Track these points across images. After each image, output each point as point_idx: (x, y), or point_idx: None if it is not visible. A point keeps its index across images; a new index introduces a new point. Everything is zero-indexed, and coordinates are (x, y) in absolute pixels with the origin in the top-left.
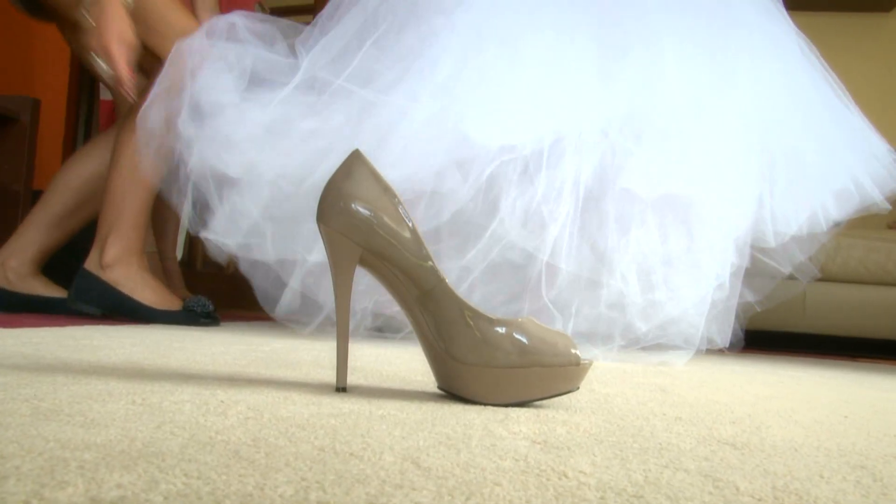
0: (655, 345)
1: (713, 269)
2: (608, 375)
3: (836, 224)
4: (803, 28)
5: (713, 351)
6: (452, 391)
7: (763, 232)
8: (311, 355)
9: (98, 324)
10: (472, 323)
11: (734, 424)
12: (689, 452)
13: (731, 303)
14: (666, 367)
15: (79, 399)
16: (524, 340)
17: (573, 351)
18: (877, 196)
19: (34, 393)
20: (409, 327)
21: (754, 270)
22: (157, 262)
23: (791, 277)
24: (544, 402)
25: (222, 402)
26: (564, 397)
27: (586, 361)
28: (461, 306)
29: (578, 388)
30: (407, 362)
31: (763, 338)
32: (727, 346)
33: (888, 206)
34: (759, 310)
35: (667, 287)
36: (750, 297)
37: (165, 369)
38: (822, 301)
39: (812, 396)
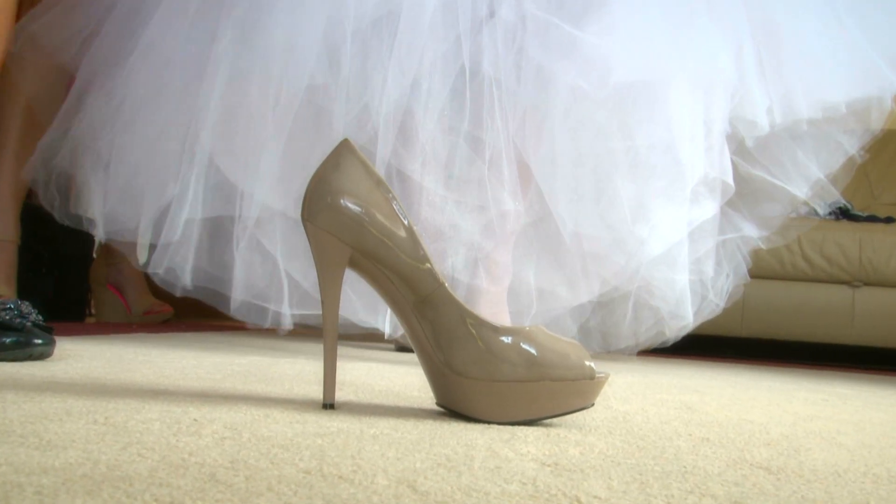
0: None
1: (695, 177)
2: (627, 391)
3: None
4: None
5: (739, 355)
6: (453, 408)
7: (751, 121)
8: (295, 368)
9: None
10: (474, 332)
11: (769, 447)
12: (717, 477)
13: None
14: (691, 383)
15: (32, 419)
16: (533, 351)
17: (587, 363)
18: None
19: None
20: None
21: (760, 196)
22: (128, 268)
23: (809, 211)
24: (555, 420)
25: (195, 420)
26: (578, 415)
27: (602, 375)
28: (462, 313)
29: (593, 404)
30: (402, 376)
31: (805, 349)
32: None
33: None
34: (763, 248)
35: (642, 213)
36: (752, 232)
37: (130, 385)
38: (874, 308)
39: (860, 416)
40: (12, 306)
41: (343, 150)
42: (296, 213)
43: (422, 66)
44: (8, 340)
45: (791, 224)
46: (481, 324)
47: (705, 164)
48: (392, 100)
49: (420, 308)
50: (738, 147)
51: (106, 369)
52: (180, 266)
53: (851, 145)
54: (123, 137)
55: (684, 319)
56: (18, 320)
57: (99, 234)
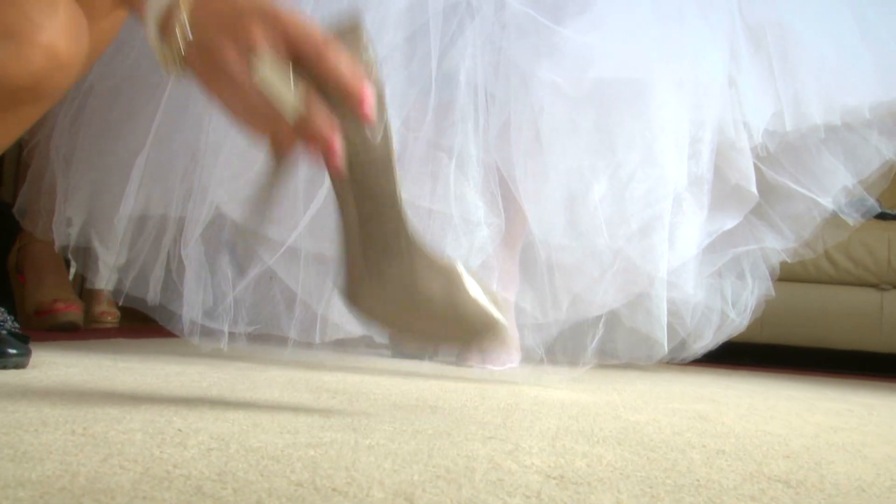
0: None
1: (678, 185)
2: (638, 400)
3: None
4: None
5: (756, 359)
6: (353, 308)
7: (749, 127)
8: (285, 375)
9: None
10: (406, 249)
11: (789, 459)
12: (732, 491)
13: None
14: (706, 391)
15: (6, 429)
16: (454, 290)
17: (495, 314)
18: None
19: None
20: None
21: (787, 204)
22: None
23: (838, 219)
24: (561, 430)
25: (180, 430)
26: (585, 425)
27: (502, 322)
28: (403, 225)
29: (473, 366)
30: (398, 384)
31: (829, 357)
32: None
33: None
34: (789, 261)
35: (616, 222)
36: (776, 243)
37: (110, 393)
38: None
39: (887, 427)
40: None
41: None
42: (245, 219)
43: (386, 50)
44: (10, 350)
45: (819, 232)
46: (416, 244)
47: (690, 170)
48: None
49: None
50: (762, 152)
51: (83, 377)
52: (144, 279)
53: (889, 149)
54: (87, 136)
55: (704, 339)
56: (3, 330)
57: (59, 240)
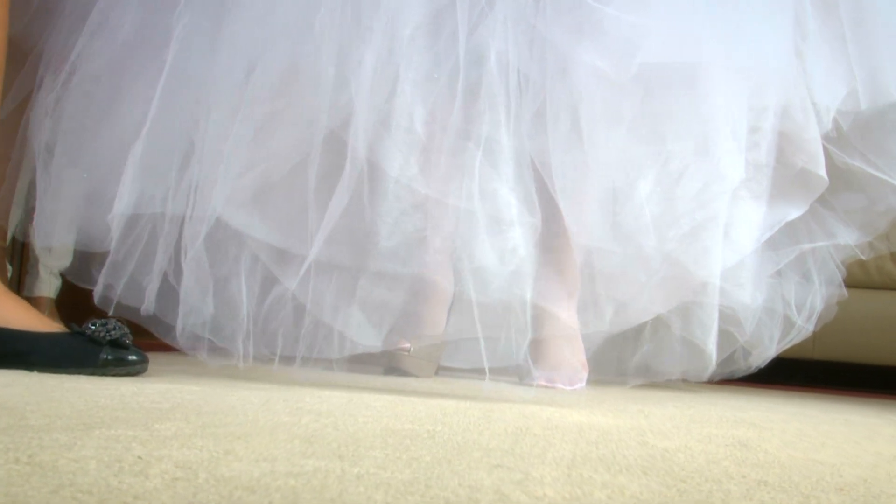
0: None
1: (734, 181)
2: (667, 424)
3: None
4: None
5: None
6: None
7: (818, 111)
8: (259, 396)
9: None
10: None
11: (842, 493)
12: None
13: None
14: (748, 415)
15: None
16: None
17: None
18: None
19: None
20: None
21: (849, 188)
22: None
23: None
24: (578, 458)
25: (140, 458)
26: (606, 452)
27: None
28: None
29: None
30: (391, 405)
31: (894, 376)
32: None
33: None
34: (864, 258)
35: (666, 222)
36: (849, 238)
37: (57, 417)
38: None
39: None
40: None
41: None
42: (264, 233)
43: (408, 33)
44: (131, 357)
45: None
46: None
47: (748, 162)
48: (369, 69)
49: None
50: (832, 133)
51: (25, 398)
52: (140, 283)
53: None
54: (70, 124)
55: (765, 349)
56: (126, 339)
57: (41, 241)
